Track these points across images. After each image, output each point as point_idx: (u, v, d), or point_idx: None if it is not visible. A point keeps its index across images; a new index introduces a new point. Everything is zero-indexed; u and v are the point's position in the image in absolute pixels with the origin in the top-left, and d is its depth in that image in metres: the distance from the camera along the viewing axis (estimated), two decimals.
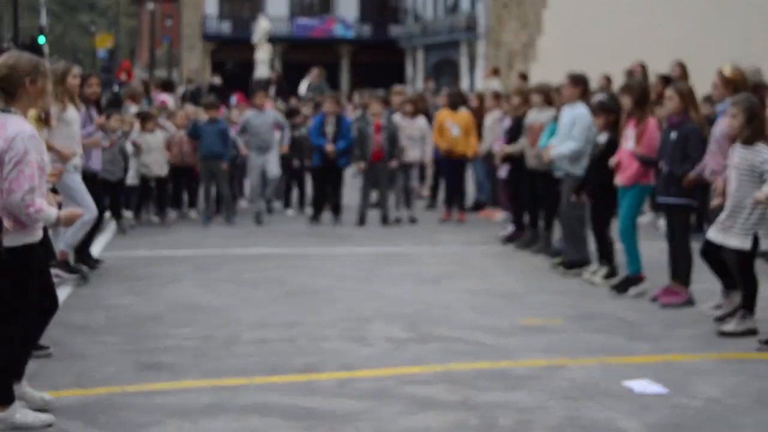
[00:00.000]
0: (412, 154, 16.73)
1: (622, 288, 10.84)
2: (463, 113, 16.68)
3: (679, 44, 26.20)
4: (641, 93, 10.92)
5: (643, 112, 10.79)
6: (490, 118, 16.47)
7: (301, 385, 7.53)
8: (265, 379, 7.66)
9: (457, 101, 16.91)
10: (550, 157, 12.12)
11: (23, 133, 6.33)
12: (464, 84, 51.11)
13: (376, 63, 61.20)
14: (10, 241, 6.38)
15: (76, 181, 10.80)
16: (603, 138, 11.43)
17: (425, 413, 6.88)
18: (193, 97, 30.26)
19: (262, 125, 16.22)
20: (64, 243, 10.96)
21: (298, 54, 60.39)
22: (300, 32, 64.63)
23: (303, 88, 33.70)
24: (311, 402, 7.10)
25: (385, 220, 15.96)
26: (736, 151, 8.92)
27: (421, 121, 16.99)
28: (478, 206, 17.62)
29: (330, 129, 15.89)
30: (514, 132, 13.96)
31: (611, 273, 11.44)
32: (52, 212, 6.50)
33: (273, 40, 52.79)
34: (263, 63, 46.75)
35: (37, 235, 6.59)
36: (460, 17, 53.21)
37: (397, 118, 16.55)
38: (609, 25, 33.16)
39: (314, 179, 16.60)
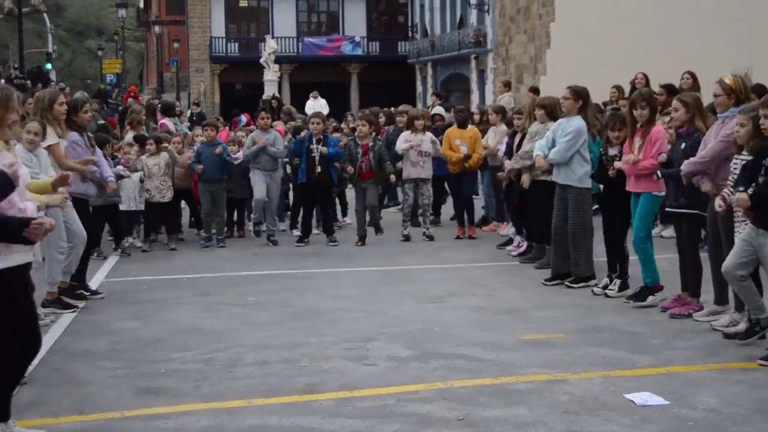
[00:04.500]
0: (428, 170, 16.65)
1: (640, 297, 10.85)
2: (471, 130, 16.69)
3: (687, 53, 26.16)
4: (655, 103, 11.03)
5: (653, 122, 10.84)
6: (493, 133, 16.46)
7: (301, 405, 7.52)
8: (265, 400, 7.66)
9: (464, 118, 16.90)
10: (543, 162, 12.23)
11: None
12: (475, 98, 51.14)
13: (386, 80, 61.25)
14: None
15: (57, 213, 10.66)
16: (615, 151, 11.46)
17: (424, 431, 6.88)
18: (199, 120, 30.38)
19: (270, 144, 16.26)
20: (47, 283, 10.95)
21: (306, 74, 60.51)
22: (308, 51, 64.78)
23: (309, 108, 33.84)
24: (311, 422, 7.11)
25: (376, 229, 16.13)
26: (741, 160, 8.87)
27: (428, 136, 16.88)
28: (484, 221, 17.60)
29: (315, 147, 15.86)
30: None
31: (625, 285, 11.45)
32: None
33: (281, 60, 53.02)
34: (271, 83, 46.98)
35: (14, 260, 6.55)
36: (468, 32, 53.21)
37: (407, 135, 16.48)
38: (617, 37, 33.09)
39: (304, 199, 16.58)
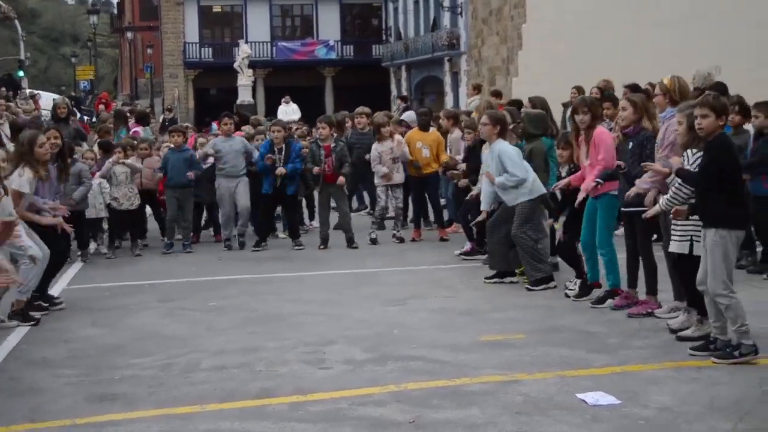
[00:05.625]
0: (401, 175, 16.67)
1: (600, 301, 10.90)
2: (433, 133, 16.70)
3: (660, 57, 26.27)
4: (597, 109, 11.08)
5: (594, 127, 10.88)
6: (451, 138, 16.52)
7: (254, 410, 7.52)
8: (219, 405, 7.65)
9: (426, 122, 16.91)
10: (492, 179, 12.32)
11: None
12: (449, 101, 51.26)
13: (360, 84, 61.29)
14: None
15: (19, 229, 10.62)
16: (565, 169, 11.58)
17: None
18: (171, 125, 30.42)
19: (230, 152, 16.24)
20: (18, 291, 10.84)
21: (280, 78, 60.49)
22: (282, 56, 64.81)
23: (281, 113, 33.89)
24: (262, 427, 7.11)
25: (350, 242, 16.00)
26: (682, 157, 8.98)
27: (397, 139, 16.90)
28: (448, 223, 17.62)
29: (278, 155, 15.90)
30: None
31: (584, 285, 11.48)
32: None
33: (255, 64, 53.01)
34: (245, 88, 46.99)
35: None
36: (442, 34, 53.33)
37: (376, 146, 16.52)
38: (589, 39, 33.19)
39: (262, 206, 16.55)
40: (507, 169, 11.96)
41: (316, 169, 15.79)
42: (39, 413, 7.57)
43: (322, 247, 15.95)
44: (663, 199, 9.04)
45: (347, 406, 7.53)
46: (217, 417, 7.36)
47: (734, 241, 8.50)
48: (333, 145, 15.96)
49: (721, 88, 12.84)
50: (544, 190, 12.10)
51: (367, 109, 18.77)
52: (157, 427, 7.16)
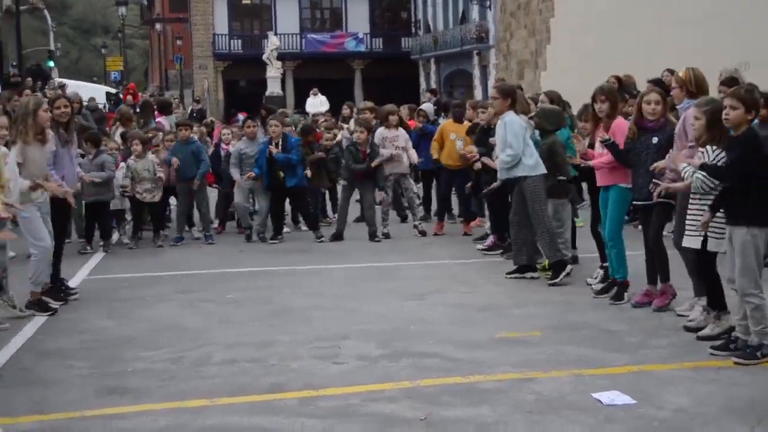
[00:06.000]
0: (405, 164, 16.64)
1: (617, 297, 10.77)
2: (467, 125, 16.57)
3: (683, 55, 26.01)
4: (615, 98, 10.95)
5: (613, 116, 10.78)
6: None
7: (264, 405, 7.44)
8: (229, 399, 7.57)
9: (461, 113, 16.79)
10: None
11: None
12: (478, 94, 51.04)
13: (389, 76, 61.17)
14: None
15: (33, 213, 10.63)
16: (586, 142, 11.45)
17: (384, 431, 6.78)
18: (199, 117, 30.46)
19: (254, 154, 16.09)
20: (31, 283, 10.82)
21: (309, 70, 60.41)
22: (311, 48, 64.75)
23: (309, 105, 33.84)
24: (272, 422, 7.03)
25: (372, 236, 15.90)
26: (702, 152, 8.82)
27: (402, 132, 16.86)
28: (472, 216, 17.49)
29: (275, 149, 15.83)
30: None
31: (606, 276, 11.35)
32: None
33: (284, 56, 52.97)
34: (274, 80, 46.96)
35: None
36: (471, 27, 53.13)
37: (382, 130, 16.50)
38: (616, 33, 33.00)
39: (273, 200, 16.37)
40: (508, 140, 11.90)
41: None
42: (47, 405, 7.51)
43: (331, 240, 15.86)
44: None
45: (358, 402, 7.44)
46: (226, 411, 7.29)
47: (764, 238, 8.35)
48: (368, 151, 15.88)
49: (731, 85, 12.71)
50: (545, 170, 12.07)
51: (369, 104, 18.70)
52: (164, 421, 7.09)
